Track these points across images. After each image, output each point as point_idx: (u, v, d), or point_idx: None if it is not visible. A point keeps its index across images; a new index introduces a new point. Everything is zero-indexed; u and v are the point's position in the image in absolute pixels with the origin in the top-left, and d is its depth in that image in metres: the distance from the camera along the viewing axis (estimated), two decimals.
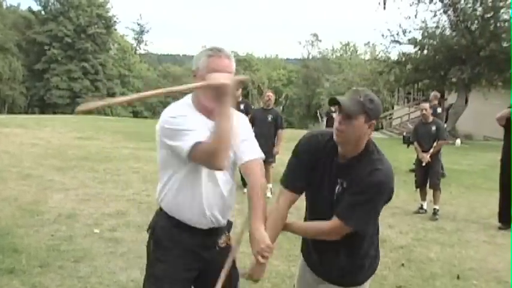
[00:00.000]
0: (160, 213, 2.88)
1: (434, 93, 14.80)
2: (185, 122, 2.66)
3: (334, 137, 2.73)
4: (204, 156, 2.56)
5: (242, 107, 10.13)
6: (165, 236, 2.84)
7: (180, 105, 2.84)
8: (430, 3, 24.96)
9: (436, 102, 14.15)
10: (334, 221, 2.69)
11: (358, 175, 2.69)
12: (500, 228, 8.12)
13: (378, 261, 3.13)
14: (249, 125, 3.11)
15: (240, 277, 2.97)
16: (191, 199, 2.78)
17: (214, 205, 2.85)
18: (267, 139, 9.54)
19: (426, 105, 9.06)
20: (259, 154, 3.02)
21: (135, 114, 56.96)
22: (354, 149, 2.73)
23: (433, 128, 8.83)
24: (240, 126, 2.90)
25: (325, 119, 16.23)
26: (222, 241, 2.98)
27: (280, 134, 9.69)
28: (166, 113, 2.78)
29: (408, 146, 12.77)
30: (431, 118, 8.97)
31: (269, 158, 9.62)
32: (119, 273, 5.34)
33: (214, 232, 2.93)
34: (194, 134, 2.60)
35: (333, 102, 2.64)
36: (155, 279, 2.84)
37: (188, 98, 2.87)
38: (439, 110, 14.34)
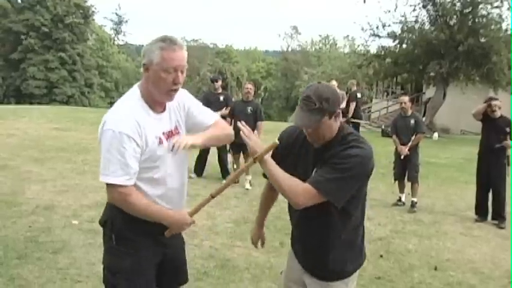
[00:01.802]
0: (116, 206, 2.78)
1: (351, 81, 16.16)
2: (129, 151, 2.64)
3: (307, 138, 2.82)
4: (114, 197, 2.70)
5: (222, 98, 10.15)
6: (128, 228, 2.80)
7: (130, 106, 2.77)
8: None
9: (355, 88, 15.46)
10: (308, 186, 2.66)
11: (334, 152, 2.73)
12: (476, 220, 8.25)
13: (364, 256, 3.12)
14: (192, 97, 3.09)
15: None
16: (153, 188, 2.81)
17: (175, 191, 2.93)
18: None
19: (406, 98, 9.12)
20: (217, 116, 3.17)
21: (113, 105, 56.50)
22: (327, 139, 2.78)
23: (412, 121, 8.89)
24: (190, 101, 3.02)
25: None
26: None
27: (260, 126, 9.69)
28: (120, 124, 2.67)
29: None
30: (410, 111, 9.02)
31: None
32: (98, 264, 5.29)
33: None
34: (125, 171, 2.64)
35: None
36: (126, 274, 2.81)
37: (136, 94, 2.82)
38: (359, 95, 15.56)
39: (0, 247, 5.55)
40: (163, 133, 2.80)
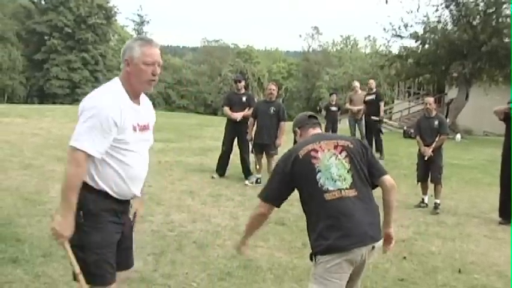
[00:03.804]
0: (83, 185, 3.03)
1: (371, 81, 15.63)
2: (106, 128, 2.99)
3: None
4: (70, 159, 3.04)
5: (244, 99, 10.12)
6: (96, 205, 3.08)
7: (115, 91, 3.13)
8: None
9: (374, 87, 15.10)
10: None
11: None
12: (500, 223, 8.13)
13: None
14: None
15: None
16: (125, 176, 3.13)
17: (139, 182, 3.28)
18: (269, 131, 9.56)
19: (431, 99, 9.04)
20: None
21: None
22: None
23: (436, 122, 8.82)
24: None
25: (324, 112, 16.21)
26: (131, 209, 3.37)
27: (283, 126, 9.68)
28: (104, 103, 3.03)
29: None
30: (434, 112, 8.96)
31: (271, 149, 9.64)
32: None
33: (129, 202, 3.32)
34: (95, 144, 2.98)
35: None
36: (96, 247, 3.07)
37: (118, 83, 3.17)
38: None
39: (25, 245, 5.60)
40: (138, 124, 3.18)
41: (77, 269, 3.04)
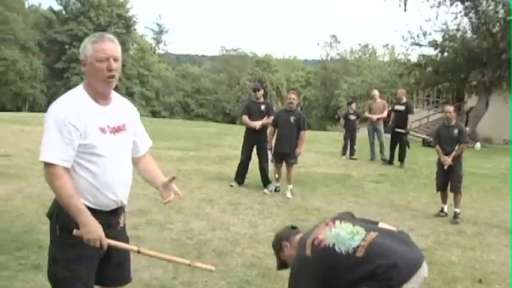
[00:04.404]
0: None
1: (401, 90, 15.45)
2: (65, 134, 2.86)
3: None
4: (47, 177, 2.89)
5: (263, 107, 10.13)
6: (72, 220, 2.89)
7: (71, 96, 3.02)
8: (451, 5, 24.80)
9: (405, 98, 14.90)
10: None
11: None
12: None
13: None
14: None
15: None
16: (98, 184, 2.97)
17: (119, 189, 3.09)
18: (290, 140, 9.56)
19: (451, 108, 9.01)
20: (150, 144, 3.52)
21: (154, 114, 57.30)
22: None
23: (456, 131, 8.77)
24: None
25: (343, 121, 16.21)
26: (121, 220, 3.23)
27: (303, 136, 9.68)
28: (60, 110, 2.92)
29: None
30: (454, 121, 8.91)
31: (291, 158, 9.65)
32: (141, 270, 5.37)
33: (116, 212, 3.15)
34: (60, 153, 2.85)
35: None
36: (67, 263, 2.95)
37: (79, 87, 3.07)
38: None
39: (47, 252, 5.64)
40: (108, 126, 3.02)
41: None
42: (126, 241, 3.27)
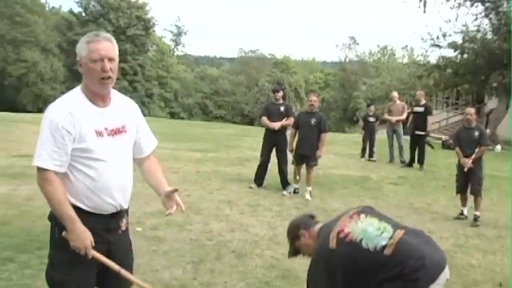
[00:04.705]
0: None
1: (419, 92, 15.34)
2: (58, 138, 2.80)
3: None
4: (39, 182, 2.86)
5: (282, 109, 10.12)
6: None
7: (66, 99, 2.96)
8: (471, 6, 24.67)
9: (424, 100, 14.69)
10: None
11: None
12: None
13: None
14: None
15: None
16: (95, 188, 2.91)
17: (117, 193, 3.01)
18: (311, 142, 9.56)
19: (472, 110, 8.94)
20: (155, 144, 3.40)
21: (172, 115, 57.55)
22: None
23: (476, 133, 8.71)
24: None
25: (362, 123, 16.15)
26: (123, 224, 3.15)
27: (324, 138, 9.67)
28: (54, 113, 2.87)
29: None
30: (474, 123, 8.85)
31: (312, 161, 9.65)
32: (161, 270, 5.43)
33: (117, 216, 3.08)
34: (52, 157, 2.80)
35: None
36: (63, 266, 2.91)
37: (76, 89, 3.01)
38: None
39: None
40: (106, 129, 2.94)
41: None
42: (129, 245, 3.27)
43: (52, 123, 2.80)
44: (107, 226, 3.01)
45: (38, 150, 2.82)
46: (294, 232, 3.70)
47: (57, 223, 2.90)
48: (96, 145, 2.88)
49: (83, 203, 2.90)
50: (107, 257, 3.00)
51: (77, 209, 2.87)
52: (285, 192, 9.73)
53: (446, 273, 3.23)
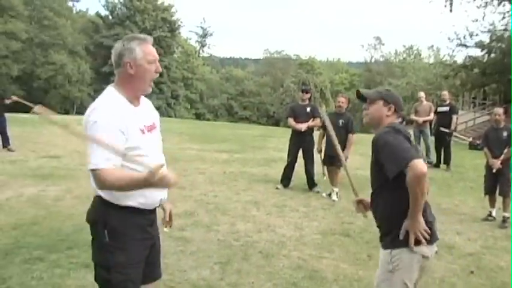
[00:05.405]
0: (107, 204, 2.98)
1: (444, 92, 15.36)
2: (112, 140, 2.80)
3: (363, 120, 3.68)
4: (98, 184, 2.86)
5: (308, 109, 10.12)
6: (122, 224, 2.96)
7: (111, 101, 2.97)
8: (498, 5, 24.41)
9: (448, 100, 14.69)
10: None
11: None
12: None
13: None
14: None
15: None
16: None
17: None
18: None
19: (500, 110, 8.85)
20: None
21: (198, 116, 57.82)
22: (377, 129, 3.53)
23: (505, 133, 8.62)
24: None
25: None
26: (155, 215, 3.26)
27: (351, 138, 9.63)
28: (104, 116, 2.87)
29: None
30: (503, 123, 8.76)
31: (338, 161, 9.62)
32: (189, 271, 5.47)
33: (154, 210, 3.21)
34: (109, 158, 2.79)
35: (357, 94, 3.65)
36: (121, 267, 2.97)
37: (113, 92, 3.03)
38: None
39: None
40: (145, 126, 3.05)
41: None
42: (158, 231, 3.32)
43: (105, 124, 2.83)
44: (151, 221, 3.15)
45: (92, 154, 2.80)
46: (389, 99, 3.52)
47: (105, 226, 2.96)
48: (142, 142, 2.97)
49: (136, 201, 2.97)
50: (151, 251, 3.16)
51: (129, 209, 2.97)
52: (318, 190, 9.81)
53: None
